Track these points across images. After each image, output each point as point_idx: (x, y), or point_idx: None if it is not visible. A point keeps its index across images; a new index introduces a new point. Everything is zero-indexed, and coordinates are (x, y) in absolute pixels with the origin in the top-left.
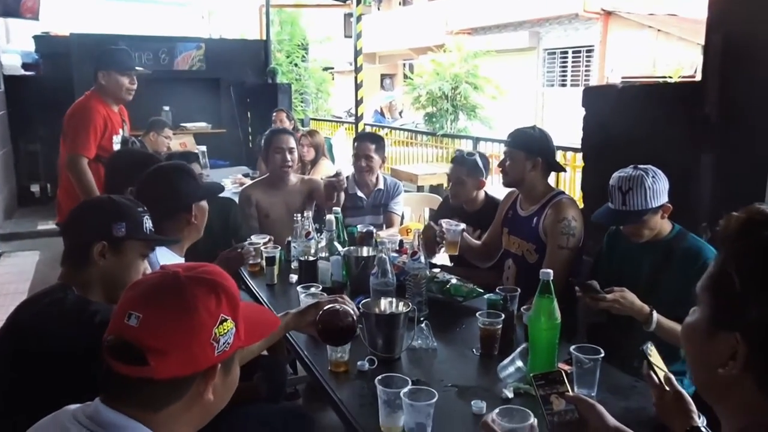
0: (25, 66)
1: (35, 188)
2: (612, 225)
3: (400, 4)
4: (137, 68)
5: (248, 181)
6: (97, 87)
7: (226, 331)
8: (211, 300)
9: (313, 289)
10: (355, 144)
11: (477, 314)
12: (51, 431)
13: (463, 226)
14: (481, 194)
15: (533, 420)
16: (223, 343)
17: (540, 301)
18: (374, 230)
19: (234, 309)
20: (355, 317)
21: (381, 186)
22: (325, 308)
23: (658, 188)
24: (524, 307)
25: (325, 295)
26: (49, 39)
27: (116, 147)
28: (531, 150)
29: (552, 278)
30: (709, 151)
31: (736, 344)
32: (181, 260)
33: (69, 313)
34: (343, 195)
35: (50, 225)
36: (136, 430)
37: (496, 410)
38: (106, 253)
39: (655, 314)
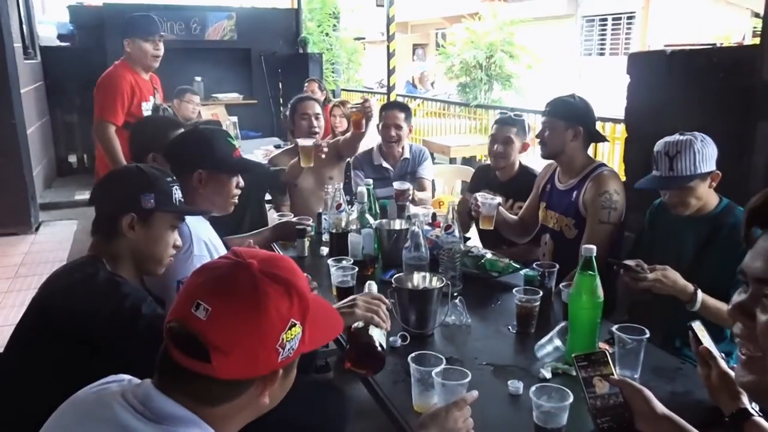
0: (60, 37)
1: (72, 158)
2: (659, 189)
3: None
4: (161, 34)
5: (273, 150)
6: (125, 55)
7: (293, 336)
8: (283, 302)
9: (344, 263)
10: (383, 113)
11: (514, 290)
12: (97, 411)
13: (499, 199)
14: (517, 162)
15: (572, 399)
16: (288, 349)
17: (582, 279)
18: (410, 187)
19: (304, 313)
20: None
21: (407, 155)
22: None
23: (708, 153)
24: (563, 283)
25: (356, 270)
26: (83, 9)
27: (146, 114)
28: (571, 119)
29: (594, 254)
30: (765, 119)
31: None
32: (205, 224)
33: (99, 293)
34: (370, 121)
35: (87, 195)
36: (196, 424)
37: (533, 388)
38: (135, 225)
39: (699, 293)
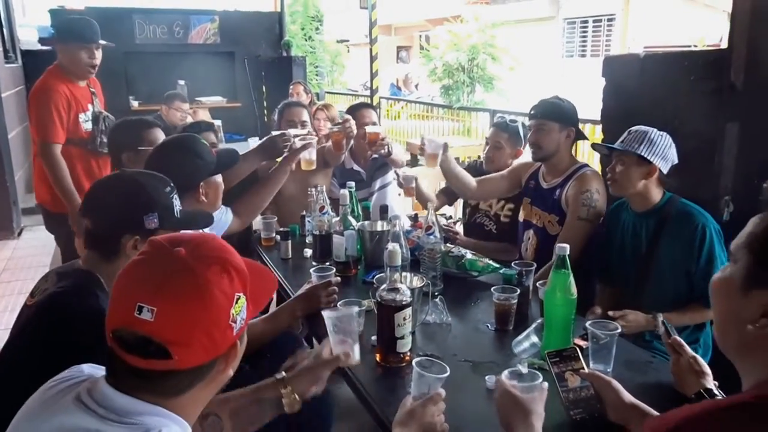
0: (41, 41)
1: None
2: (602, 152)
3: None
4: (100, 42)
5: None
6: (58, 61)
7: (241, 308)
8: (224, 280)
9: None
10: (355, 114)
11: (492, 289)
12: (55, 413)
13: (444, 141)
14: (508, 166)
15: (542, 380)
16: (240, 321)
17: (556, 276)
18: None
19: (244, 282)
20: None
21: (375, 155)
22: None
23: (661, 145)
24: (539, 282)
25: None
26: (64, 13)
27: (85, 125)
28: (565, 120)
29: (568, 253)
30: (734, 120)
31: (764, 301)
32: None
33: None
34: (351, 141)
35: None
36: (159, 414)
37: (506, 372)
38: (138, 245)
39: (660, 316)
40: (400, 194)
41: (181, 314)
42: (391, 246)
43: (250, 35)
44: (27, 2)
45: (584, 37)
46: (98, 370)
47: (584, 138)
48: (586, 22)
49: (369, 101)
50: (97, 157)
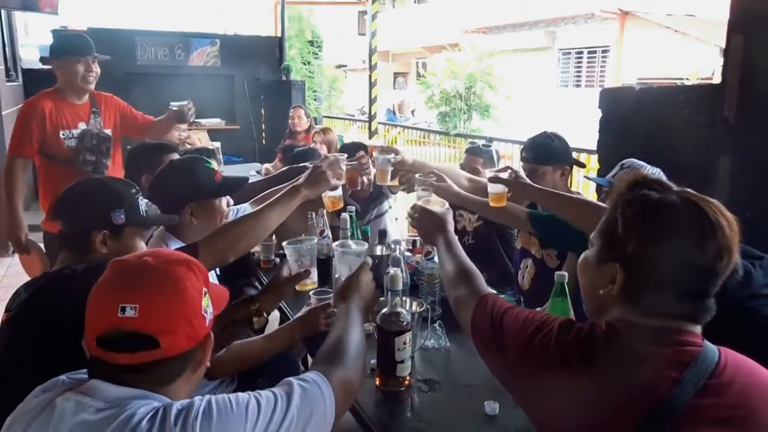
0: (43, 60)
1: None
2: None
3: (415, 2)
4: (96, 55)
5: (271, 170)
6: (57, 82)
7: (208, 302)
8: (191, 276)
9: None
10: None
11: None
12: (51, 417)
13: (392, 156)
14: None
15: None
16: (209, 313)
17: (554, 304)
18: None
19: (207, 282)
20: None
21: (371, 189)
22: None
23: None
24: (538, 309)
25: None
26: (66, 33)
27: (67, 142)
28: (558, 161)
29: (567, 280)
30: (727, 154)
31: (615, 272)
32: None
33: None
34: (366, 179)
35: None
36: (155, 398)
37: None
38: (107, 240)
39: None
40: (396, 218)
41: (162, 306)
42: (392, 270)
43: (250, 59)
44: (29, 22)
45: (579, 67)
46: (79, 376)
47: (582, 166)
48: (581, 53)
49: (367, 126)
50: (78, 174)
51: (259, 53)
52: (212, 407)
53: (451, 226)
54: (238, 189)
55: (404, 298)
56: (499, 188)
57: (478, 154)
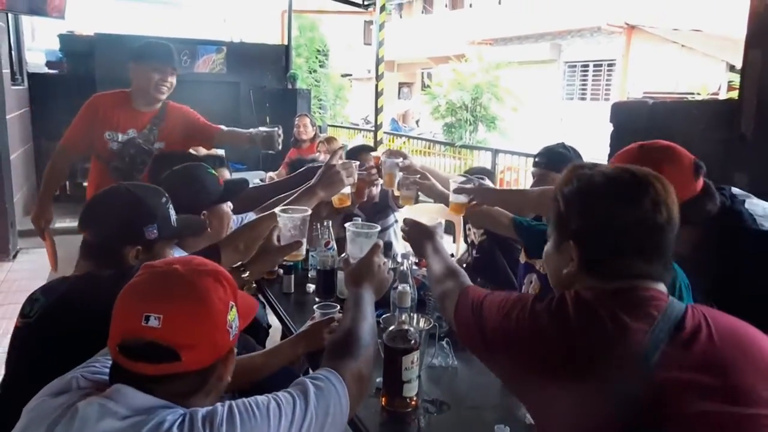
0: (49, 64)
1: None
2: None
3: (422, 12)
4: (174, 67)
5: (275, 177)
6: (131, 86)
7: (234, 316)
8: (219, 289)
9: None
10: (355, 158)
11: None
12: (72, 421)
13: (399, 160)
14: None
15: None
16: (234, 327)
17: None
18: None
19: (234, 294)
20: None
21: (376, 200)
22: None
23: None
24: None
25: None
26: (73, 38)
27: (111, 144)
28: None
29: None
30: (743, 170)
31: (571, 250)
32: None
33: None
34: (375, 189)
35: (67, 223)
36: (174, 407)
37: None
38: (139, 254)
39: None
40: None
41: (186, 319)
42: (401, 287)
43: (256, 66)
44: (37, 26)
45: (584, 80)
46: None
47: None
48: (587, 66)
49: (372, 136)
50: (109, 178)
51: (265, 61)
52: (234, 412)
53: (439, 237)
54: (242, 191)
55: (411, 314)
56: (461, 198)
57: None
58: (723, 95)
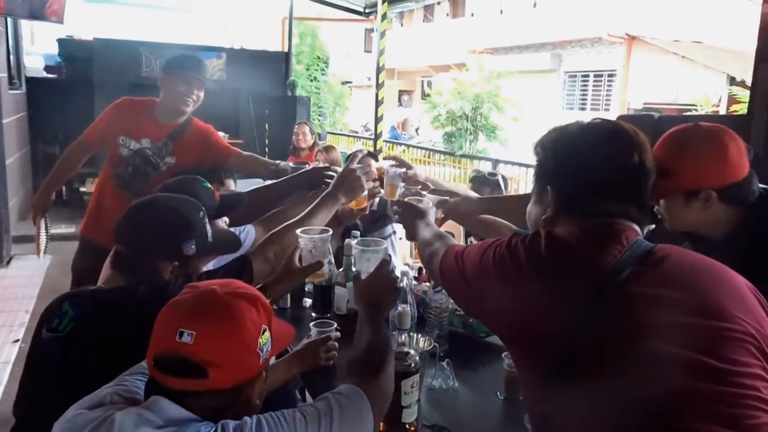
0: (47, 68)
1: None
2: None
3: (423, 21)
4: (197, 77)
5: None
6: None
7: (266, 340)
8: (253, 312)
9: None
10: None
11: (503, 355)
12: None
13: (403, 170)
14: None
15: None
16: (265, 351)
17: None
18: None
19: (269, 319)
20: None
21: (374, 207)
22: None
23: None
24: None
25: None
26: (72, 42)
27: (121, 150)
28: None
29: None
30: None
31: (549, 194)
32: None
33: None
34: (375, 200)
35: (63, 229)
36: (204, 423)
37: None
38: (175, 270)
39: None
40: (401, 237)
41: (217, 337)
42: (400, 307)
43: (256, 73)
44: (36, 30)
45: (585, 90)
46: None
47: None
48: (587, 76)
49: (372, 144)
50: (111, 183)
51: (265, 68)
52: (263, 423)
53: (430, 216)
54: (238, 207)
55: (411, 333)
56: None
57: (484, 183)
58: (724, 107)
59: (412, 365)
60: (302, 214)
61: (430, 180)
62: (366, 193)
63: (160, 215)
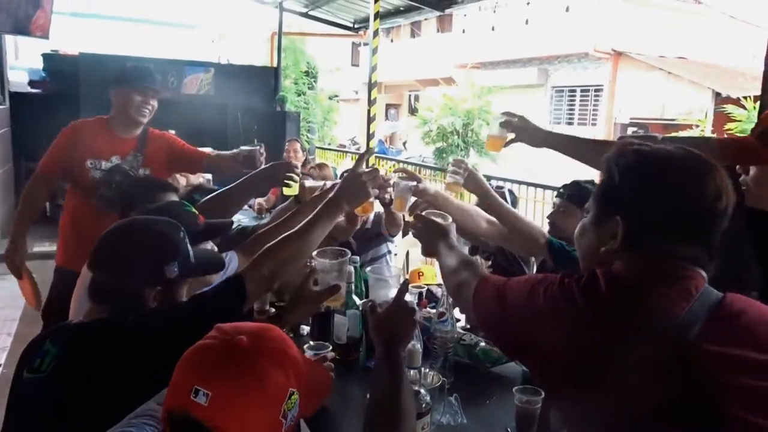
0: (32, 83)
1: None
2: None
3: (411, 36)
4: (155, 88)
5: (264, 204)
6: (111, 111)
7: (293, 404)
8: (280, 374)
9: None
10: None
11: (514, 390)
12: None
13: (413, 183)
14: None
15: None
16: (290, 418)
17: None
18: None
19: (299, 379)
20: None
21: (368, 225)
22: None
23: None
24: None
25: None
26: (57, 57)
27: (92, 173)
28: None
29: None
30: None
31: (616, 226)
32: None
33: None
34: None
35: (47, 247)
36: None
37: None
38: (158, 295)
39: None
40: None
41: (235, 402)
42: (411, 345)
43: (245, 88)
44: (20, 45)
45: (572, 105)
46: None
47: None
48: (574, 91)
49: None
50: (92, 208)
51: (254, 83)
52: None
53: (453, 236)
54: (224, 232)
55: (419, 368)
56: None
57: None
58: (709, 123)
59: (424, 405)
60: (301, 225)
61: (440, 195)
62: (372, 200)
63: (139, 238)
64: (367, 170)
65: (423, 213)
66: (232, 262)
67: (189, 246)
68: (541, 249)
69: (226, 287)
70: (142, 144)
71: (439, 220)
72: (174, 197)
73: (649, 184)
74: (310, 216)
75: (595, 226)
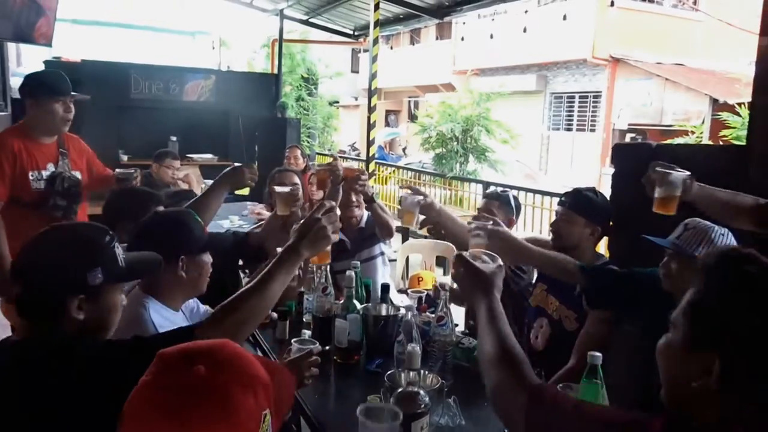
0: (21, 95)
1: None
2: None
3: (411, 43)
4: (73, 94)
5: (264, 212)
6: (25, 118)
7: (268, 425)
8: (249, 399)
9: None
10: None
11: None
12: None
13: (421, 198)
14: None
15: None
16: None
17: (587, 387)
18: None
19: (268, 396)
20: None
21: (363, 224)
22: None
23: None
24: (560, 384)
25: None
26: (60, 64)
27: (35, 185)
28: (593, 217)
29: (600, 362)
30: None
31: (711, 361)
32: (177, 315)
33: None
34: (358, 211)
35: None
36: None
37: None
38: (83, 305)
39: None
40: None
41: None
42: (410, 347)
43: (245, 95)
44: (23, 51)
45: (570, 111)
46: None
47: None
48: (573, 97)
49: (365, 166)
50: (46, 220)
51: (254, 90)
52: None
53: (498, 290)
54: (224, 243)
55: (419, 369)
56: (480, 241)
57: (495, 198)
58: (707, 130)
59: (422, 406)
60: (259, 277)
61: (444, 211)
62: (329, 248)
63: (57, 245)
64: (325, 214)
65: (468, 252)
66: (198, 310)
67: (118, 250)
68: (571, 275)
69: (176, 332)
70: (62, 147)
71: (485, 262)
72: (160, 207)
73: (760, 321)
74: (268, 266)
75: (684, 350)
